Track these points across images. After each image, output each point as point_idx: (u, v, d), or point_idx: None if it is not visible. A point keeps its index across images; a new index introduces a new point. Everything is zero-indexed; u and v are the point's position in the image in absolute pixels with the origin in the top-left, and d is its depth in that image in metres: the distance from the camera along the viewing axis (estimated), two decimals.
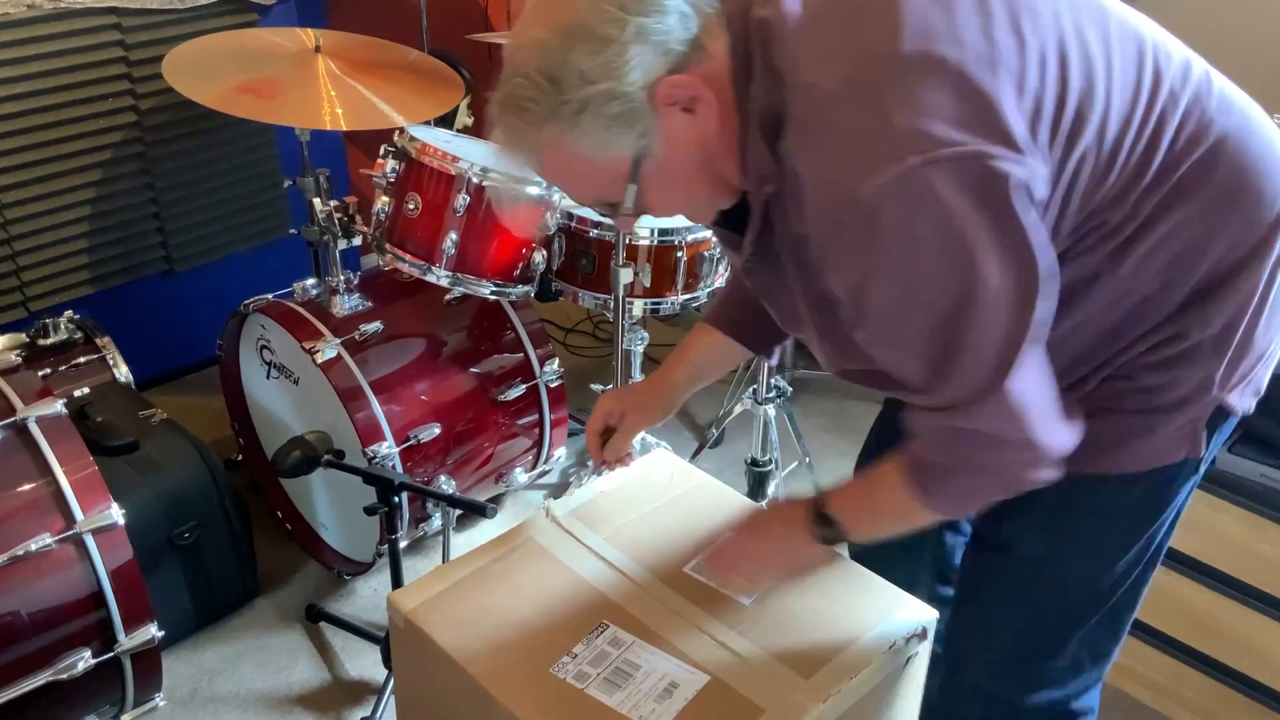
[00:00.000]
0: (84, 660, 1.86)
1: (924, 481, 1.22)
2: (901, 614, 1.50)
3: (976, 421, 1.12)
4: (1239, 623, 2.02)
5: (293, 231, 2.64)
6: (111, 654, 1.89)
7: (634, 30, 1.04)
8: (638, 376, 2.67)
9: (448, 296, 2.47)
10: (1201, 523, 2.01)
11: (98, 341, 2.51)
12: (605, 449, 1.64)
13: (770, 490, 2.58)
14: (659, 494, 1.75)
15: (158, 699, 2.06)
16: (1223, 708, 2.11)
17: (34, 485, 1.84)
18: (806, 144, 1.07)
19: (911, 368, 1.14)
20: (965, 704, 1.57)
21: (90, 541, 1.84)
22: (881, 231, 1.03)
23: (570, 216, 2.43)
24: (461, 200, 2.22)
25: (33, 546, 1.79)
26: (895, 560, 1.58)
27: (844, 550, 1.61)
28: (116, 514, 1.87)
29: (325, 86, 2.28)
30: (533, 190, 2.28)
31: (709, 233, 2.45)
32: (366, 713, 2.12)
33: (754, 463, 2.61)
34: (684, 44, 1.07)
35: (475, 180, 2.22)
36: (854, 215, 1.03)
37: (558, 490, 2.78)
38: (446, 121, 3.12)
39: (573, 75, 1.05)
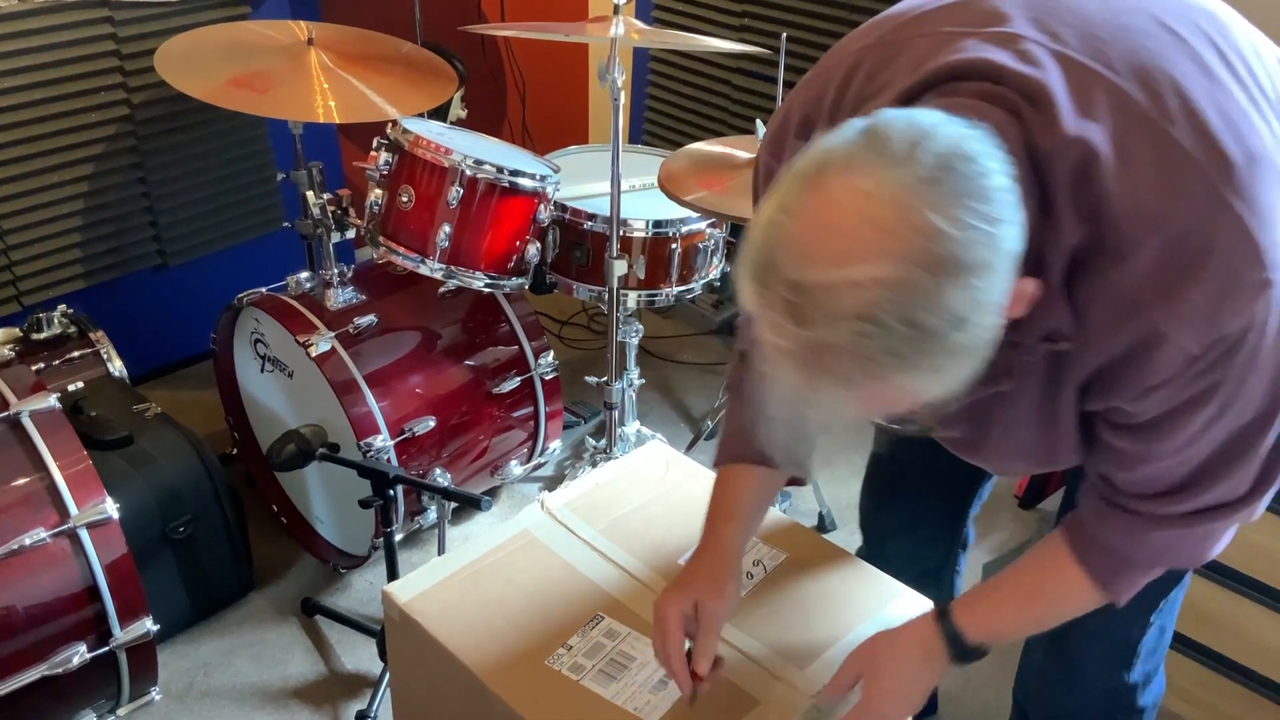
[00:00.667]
0: (79, 655, 1.85)
1: (1108, 576, 1.17)
2: (895, 605, 1.51)
3: (1219, 523, 1.11)
4: (1235, 613, 2.03)
5: (286, 225, 2.63)
6: (107, 648, 1.89)
7: (1003, 241, 0.86)
8: (633, 369, 2.67)
9: (442, 289, 2.46)
10: None
11: (91, 336, 2.50)
12: (697, 659, 1.30)
13: None
14: (654, 486, 1.75)
15: (153, 693, 2.06)
16: (1219, 698, 2.11)
17: (28, 480, 1.84)
18: (1163, 286, 0.94)
19: (1175, 474, 1.08)
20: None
21: (85, 536, 1.84)
22: (1236, 355, 0.96)
23: (564, 209, 2.43)
24: (455, 192, 2.21)
25: (27, 541, 1.79)
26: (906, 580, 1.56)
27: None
28: (111, 508, 1.87)
29: (318, 79, 2.28)
30: (527, 183, 2.28)
31: (704, 224, 2.44)
32: (363, 706, 2.12)
33: None
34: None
35: (468, 172, 2.21)
36: (1216, 348, 0.95)
37: (553, 483, 2.79)
38: (440, 114, 3.12)
39: (945, 318, 0.84)
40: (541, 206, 2.33)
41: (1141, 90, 0.95)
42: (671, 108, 3.53)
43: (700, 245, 2.46)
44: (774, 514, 1.70)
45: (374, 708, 2.09)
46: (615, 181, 2.25)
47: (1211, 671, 2.10)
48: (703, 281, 2.54)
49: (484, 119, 3.71)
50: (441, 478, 2.37)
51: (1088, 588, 1.19)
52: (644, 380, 2.77)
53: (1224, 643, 2.07)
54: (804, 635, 1.47)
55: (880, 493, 1.77)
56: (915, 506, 1.73)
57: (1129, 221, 0.93)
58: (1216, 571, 2.02)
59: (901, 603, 1.51)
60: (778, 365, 0.89)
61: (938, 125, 0.87)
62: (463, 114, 3.25)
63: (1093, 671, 1.53)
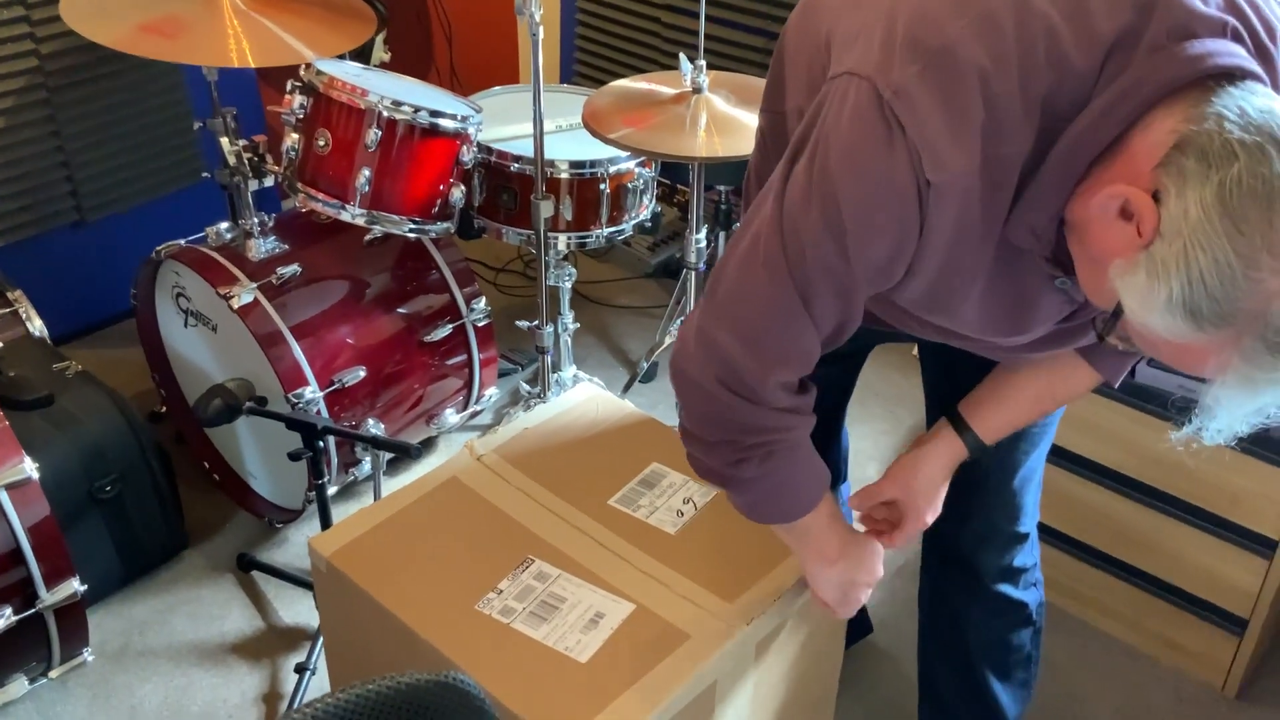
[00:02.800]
0: (4, 618, 1.82)
1: (1117, 370, 1.36)
2: None
3: None
4: (1158, 531, 2.07)
5: (206, 176, 2.56)
6: (33, 610, 1.86)
7: None
8: (567, 313, 2.65)
9: (368, 237, 2.42)
10: (1122, 435, 2.04)
11: (9, 295, 2.43)
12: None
13: None
14: (585, 428, 1.75)
15: (86, 654, 2.03)
16: (1144, 614, 2.16)
17: None
18: None
19: None
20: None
21: (4, 497, 1.80)
22: None
23: (489, 150, 2.39)
24: (373, 135, 2.16)
25: None
26: None
27: None
28: (30, 468, 1.83)
29: (230, 22, 2.20)
30: (448, 124, 2.23)
31: (633, 164, 2.42)
32: (301, 659, 2.10)
33: None
34: None
35: (386, 114, 2.16)
36: None
37: (491, 431, 2.77)
38: (362, 57, 3.04)
39: None
40: (464, 148, 2.29)
41: None
42: (602, 47, 3.48)
43: (629, 185, 2.44)
44: None
45: (312, 660, 2.08)
46: (537, 120, 2.21)
47: (1136, 588, 2.15)
48: (633, 222, 2.51)
49: (410, 62, 3.63)
50: (375, 428, 2.34)
51: (1094, 381, 1.36)
52: (579, 325, 2.75)
53: (1147, 560, 2.12)
54: (734, 569, 1.47)
55: None
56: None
57: None
58: (1139, 491, 2.06)
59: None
60: (1232, 382, 0.93)
61: None
62: (386, 57, 3.17)
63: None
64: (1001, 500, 1.59)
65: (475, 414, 2.66)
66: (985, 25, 0.99)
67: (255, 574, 2.35)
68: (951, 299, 1.15)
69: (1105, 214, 0.95)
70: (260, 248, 2.29)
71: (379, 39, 3.12)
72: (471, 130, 2.29)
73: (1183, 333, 0.91)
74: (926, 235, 1.06)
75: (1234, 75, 0.93)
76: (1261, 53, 0.98)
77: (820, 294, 1.11)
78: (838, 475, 1.87)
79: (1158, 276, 0.90)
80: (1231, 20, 0.97)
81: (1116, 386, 1.40)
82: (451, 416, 2.56)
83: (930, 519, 1.44)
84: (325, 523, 2.00)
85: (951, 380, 1.45)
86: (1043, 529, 1.69)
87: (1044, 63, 0.98)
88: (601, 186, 2.40)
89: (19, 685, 1.96)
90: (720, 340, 1.16)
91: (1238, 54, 0.95)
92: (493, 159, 2.39)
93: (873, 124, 1.02)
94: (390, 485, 2.51)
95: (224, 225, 2.36)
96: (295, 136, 2.23)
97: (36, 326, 2.41)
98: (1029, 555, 1.66)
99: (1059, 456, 2.12)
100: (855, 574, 1.41)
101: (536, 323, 2.52)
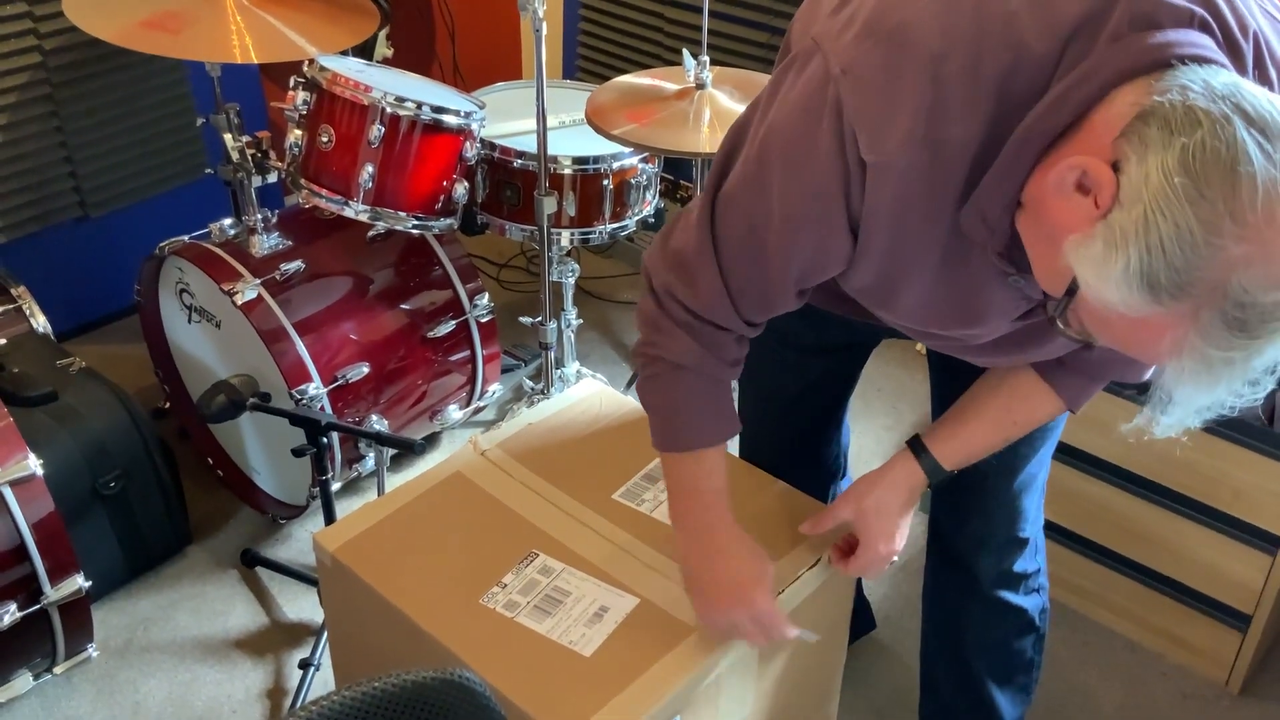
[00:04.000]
0: (9, 614, 1.83)
1: (1076, 396, 1.34)
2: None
3: None
4: (1163, 527, 2.07)
5: (208, 171, 2.56)
6: (38, 606, 1.86)
7: None
8: (570, 309, 2.65)
9: (371, 233, 2.42)
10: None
11: (12, 291, 2.44)
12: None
13: None
14: (588, 423, 1.75)
15: (90, 649, 2.03)
16: (1147, 610, 2.16)
17: None
18: None
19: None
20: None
21: (8, 494, 1.80)
22: None
23: (493, 146, 2.39)
24: (376, 131, 2.16)
25: None
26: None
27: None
28: (34, 465, 1.83)
29: (233, 17, 2.20)
30: (451, 120, 2.23)
31: (635, 159, 2.42)
32: (305, 654, 2.11)
33: None
34: None
35: (389, 110, 2.16)
36: None
37: (495, 427, 2.77)
38: (365, 53, 3.05)
39: None
40: (467, 144, 2.29)
41: None
42: (605, 43, 3.47)
43: (633, 181, 2.44)
44: None
45: (316, 655, 2.08)
46: (540, 115, 2.21)
47: (1141, 585, 2.15)
48: (637, 218, 2.51)
49: (413, 58, 3.63)
50: (379, 424, 2.35)
51: (1056, 407, 1.34)
52: (582, 320, 2.75)
53: (1152, 556, 2.12)
54: None
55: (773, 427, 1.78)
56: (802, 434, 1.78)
57: None
58: (1143, 486, 2.06)
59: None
60: (1188, 365, 0.89)
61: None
62: (389, 53, 3.17)
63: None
64: (1000, 504, 1.57)
65: (478, 410, 2.66)
66: (943, 5, 0.99)
67: (259, 570, 2.35)
68: (899, 288, 1.15)
69: (1062, 186, 0.92)
70: (264, 244, 2.29)
71: (382, 35, 3.12)
72: (475, 126, 2.29)
73: (1139, 306, 0.88)
74: (866, 217, 1.06)
75: (1198, 63, 0.91)
76: (1232, 46, 0.96)
77: (734, 246, 1.17)
78: (838, 469, 1.87)
79: (1115, 246, 0.87)
80: (1200, 11, 0.95)
81: (1076, 413, 1.37)
82: (455, 412, 2.57)
83: (884, 549, 1.39)
84: (329, 518, 2.00)
85: (956, 380, 1.43)
86: (1046, 524, 1.69)
87: (1000, 45, 0.97)
88: (605, 182, 2.40)
89: (24, 681, 1.96)
90: (657, 241, 1.28)
91: (1203, 44, 0.93)
92: (496, 155, 2.39)
93: (813, 98, 1.04)
94: (394, 481, 2.51)
95: (227, 221, 2.36)
96: (298, 132, 2.23)
97: (40, 323, 2.42)
98: (1030, 560, 1.64)
99: (1062, 452, 2.12)
100: (727, 597, 1.32)
101: (540, 318, 2.52)
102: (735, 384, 1.50)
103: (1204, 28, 0.95)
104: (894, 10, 1.01)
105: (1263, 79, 0.97)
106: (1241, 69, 0.95)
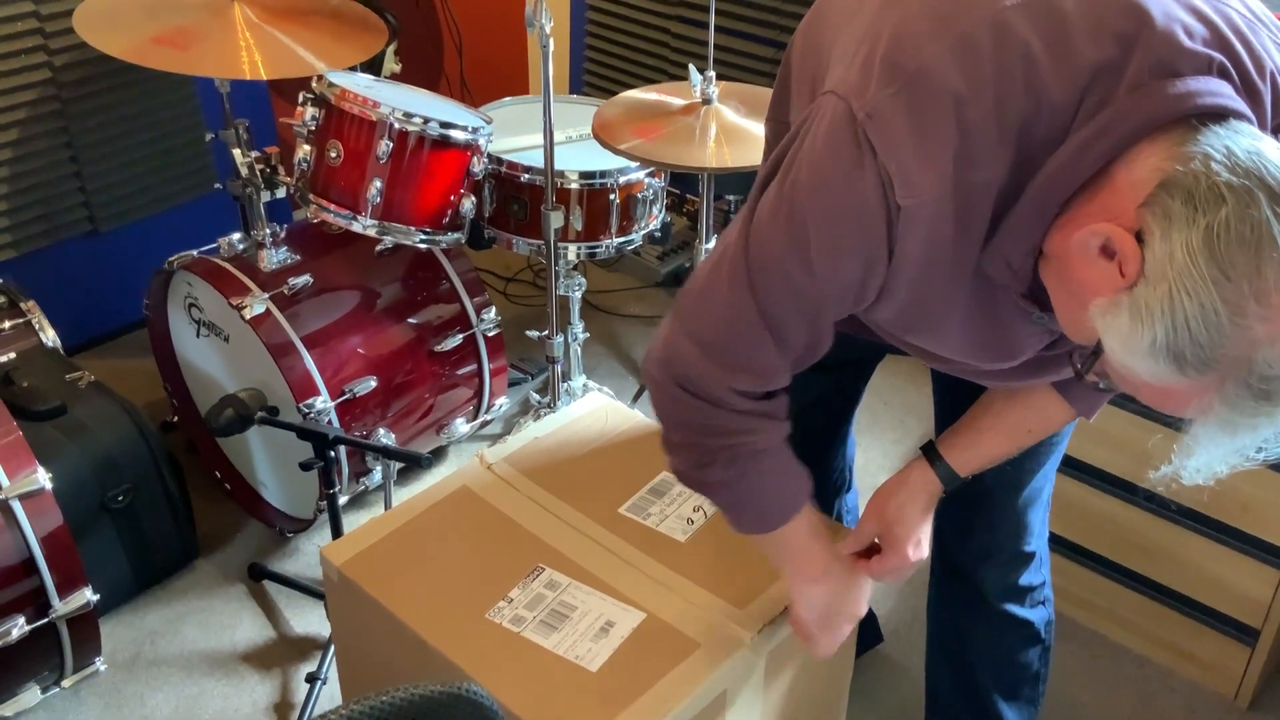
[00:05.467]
0: (18, 627, 1.83)
1: (1091, 406, 1.35)
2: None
3: None
4: (1171, 541, 2.07)
5: (217, 186, 2.58)
6: (46, 619, 1.87)
7: None
8: (577, 323, 2.65)
9: (379, 247, 2.43)
10: (1132, 443, 2.04)
11: (22, 306, 2.45)
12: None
13: None
14: (594, 437, 1.75)
15: (98, 663, 2.04)
16: (1155, 624, 2.16)
17: None
18: None
19: None
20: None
21: (18, 508, 1.81)
22: None
23: (500, 161, 2.40)
24: (384, 146, 2.17)
25: None
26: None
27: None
28: (43, 479, 1.84)
29: (242, 34, 2.22)
30: (458, 135, 2.24)
31: (642, 174, 2.42)
32: (312, 668, 2.11)
33: None
34: None
35: (397, 125, 2.17)
36: None
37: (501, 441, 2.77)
38: (373, 69, 3.07)
39: None
40: (475, 159, 2.30)
41: None
42: (611, 58, 3.49)
43: (639, 195, 2.44)
44: None
45: (323, 669, 2.08)
46: (548, 130, 2.22)
47: (1150, 599, 2.14)
48: (643, 232, 2.52)
49: (420, 74, 3.65)
50: (386, 438, 2.35)
51: (1069, 416, 1.36)
52: (589, 334, 2.76)
53: (1161, 571, 2.11)
54: (744, 577, 1.47)
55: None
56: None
57: None
58: (1153, 501, 2.06)
59: (840, 540, 1.52)
60: (1214, 425, 0.91)
61: None
62: (397, 68, 3.20)
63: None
64: (1004, 517, 1.57)
65: (485, 424, 2.66)
66: (963, 49, 0.98)
67: (266, 583, 2.35)
68: (927, 323, 1.15)
69: (1086, 251, 0.93)
70: (272, 258, 2.30)
71: (390, 51, 3.15)
72: (482, 141, 2.30)
73: (1165, 376, 0.89)
74: (897, 259, 1.05)
75: (1220, 115, 0.91)
76: (1250, 91, 0.96)
77: (782, 311, 1.11)
78: (842, 483, 1.87)
79: (1141, 320, 0.88)
80: (1218, 57, 0.95)
81: (1091, 420, 1.38)
82: (461, 426, 2.57)
83: (913, 553, 1.39)
84: (336, 532, 2.00)
85: (960, 393, 1.43)
86: (1053, 538, 1.69)
87: (1021, 90, 0.96)
88: (611, 197, 2.40)
89: (32, 694, 1.96)
90: (682, 345, 1.18)
91: (1223, 93, 0.93)
92: (503, 169, 2.40)
93: (845, 145, 1.02)
94: (400, 495, 2.51)
95: (236, 236, 2.37)
96: (307, 148, 2.24)
97: (49, 337, 2.43)
98: (1036, 574, 1.64)
99: (1069, 465, 2.12)
100: (839, 601, 1.37)
101: (546, 332, 2.52)
102: None
103: (1223, 73, 0.95)
104: (910, 56, 1.00)
105: None
106: (1259, 111, 0.96)
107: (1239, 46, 0.97)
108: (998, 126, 0.97)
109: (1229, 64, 0.96)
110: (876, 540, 1.42)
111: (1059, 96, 0.96)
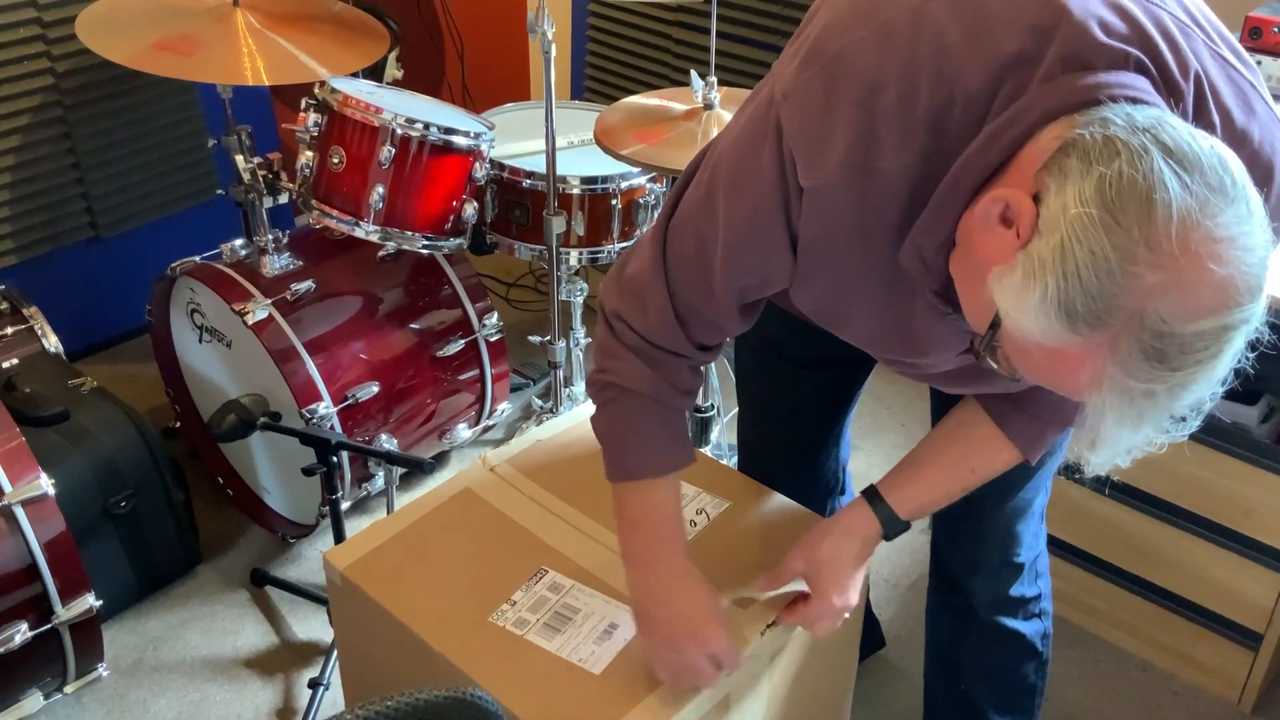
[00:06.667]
0: (20, 633, 1.83)
1: (1031, 442, 1.31)
2: None
3: None
4: (1174, 546, 2.06)
5: (220, 192, 2.58)
6: (49, 626, 1.87)
7: None
8: (579, 328, 2.65)
9: (381, 253, 2.43)
10: None
11: (25, 312, 2.45)
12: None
13: (713, 436, 2.59)
14: (595, 440, 1.75)
15: (101, 669, 2.04)
16: (1157, 629, 2.15)
17: None
18: None
19: None
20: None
21: (20, 513, 1.81)
22: None
23: (502, 167, 2.40)
24: (387, 152, 2.17)
25: None
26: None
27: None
28: (46, 484, 1.84)
29: (245, 40, 2.22)
30: (460, 141, 2.25)
31: (644, 179, 2.43)
32: (315, 673, 2.11)
33: (695, 409, 2.61)
34: None
35: (400, 131, 2.18)
36: None
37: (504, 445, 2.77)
38: (376, 75, 3.07)
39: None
40: (477, 165, 2.30)
41: None
42: (613, 64, 3.49)
43: (641, 200, 2.45)
44: (718, 463, 1.71)
45: (326, 675, 2.08)
46: (550, 136, 2.23)
47: (1153, 604, 2.14)
48: None
49: (422, 80, 3.66)
50: (388, 443, 2.35)
51: (1012, 456, 1.32)
52: (590, 339, 2.76)
53: (1164, 576, 2.11)
54: (747, 579, 1.47)
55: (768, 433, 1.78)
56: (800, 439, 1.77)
57: None
58: (1155, 506, 2.06)
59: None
60: (1110, 399, 0.89)
61: (1196, 137, 0.87)
62: (399, 74, 3.20)
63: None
64: (992, 529, 1.55)
65: (487, 429, 2.67)
66: (881, 37, 0.99)
67: (269, 589, 2.35)
68: (844, 312, 1.17)
69: (987, 220, 0.92)
70: (274, 264, 2.31)
71: (392, 57, 3.15)
72: (484, 147, 2.30)
73: (1057, 335, 0.87)
74: (804, 242, 1.08)
75: (1129, 103, 0.91)
76: (1171, 88, 0.96)
77: (681, 265, 1.20)
78: (836, 485, 1.85)
79: (1033, 274, 0.87)
80: (1136, 53, 0.95)
81: (1033, 464, 1.34)
82: (464, 431, 2.57)
83: (838, 602, 1.34)
84: (339, 537, 2.00)
85: (951, 405, 1.40)
86: (1055, 543, 1.68)
87: (935, 79, 0.97)
88: (613, 202, 2.41)
89: (34, 700, 1.96)
90: (613, 273, 1.31)
91: (1136, 86, 0.93)
92: (505, 175, 2.41)
93: (760, 122, 1.07)
94: (403, 500, 2.51)
95: (238, 242, 2.38)
96: (309, 154, 2.25)
97: (52, 343, 2.43)
98: (1029, 585, 1.62)
99: (1071, 470, 2.11)
100: (684, 635, 1.28)
101: (548, 337, 2.52)
102: (731, 395, 1.48)
103: (1140, 69, 0.95)
104: (835, 38, 1.02)
105: (1203, 121, 0.97)
106: (1181, 111, 0.94)
107: (1163, 45, 0.97)
108: (907, 114, 0.98)
109: (1148, 61, 0.95)
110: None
111: (974, 86, 0.96)
